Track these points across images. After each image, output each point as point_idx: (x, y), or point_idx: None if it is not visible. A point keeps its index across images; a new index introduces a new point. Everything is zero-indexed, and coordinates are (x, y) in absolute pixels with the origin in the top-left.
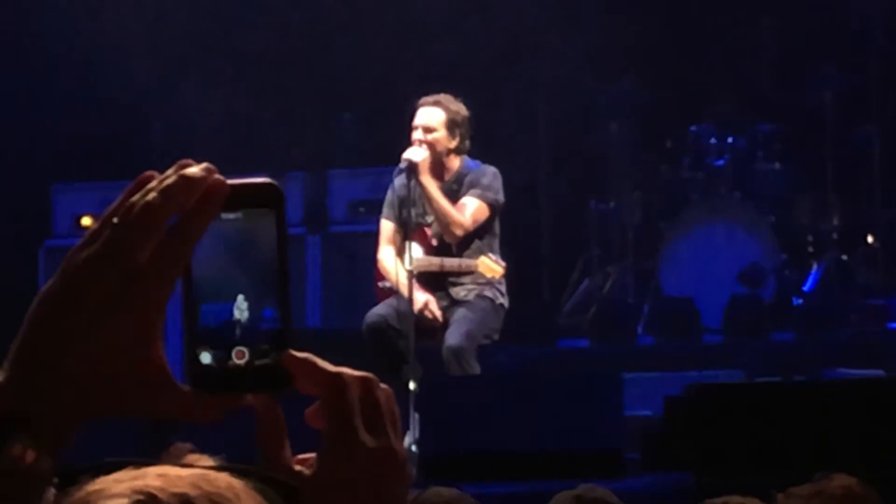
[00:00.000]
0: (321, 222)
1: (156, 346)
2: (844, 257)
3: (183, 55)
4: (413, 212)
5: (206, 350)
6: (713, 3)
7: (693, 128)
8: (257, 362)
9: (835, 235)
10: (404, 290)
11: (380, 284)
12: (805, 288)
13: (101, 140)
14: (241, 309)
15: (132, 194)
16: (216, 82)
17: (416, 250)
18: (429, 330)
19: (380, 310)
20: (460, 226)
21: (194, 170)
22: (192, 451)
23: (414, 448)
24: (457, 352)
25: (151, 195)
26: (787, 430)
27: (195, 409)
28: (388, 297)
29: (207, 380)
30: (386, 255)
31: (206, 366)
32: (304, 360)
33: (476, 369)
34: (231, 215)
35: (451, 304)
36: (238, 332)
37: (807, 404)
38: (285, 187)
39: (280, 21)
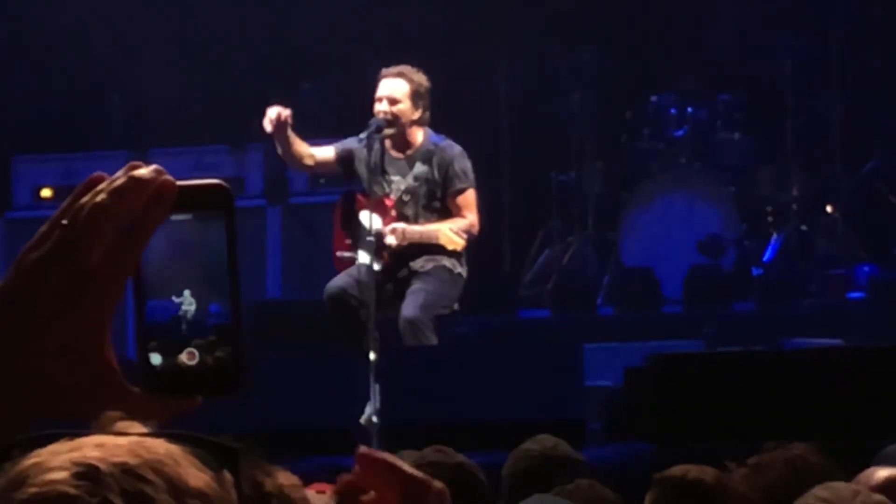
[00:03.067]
0: (281, 194)
1: (106, 346)
2: (804, 227)
3: (142, 26)
4: (375, 180)
5: (156, 351)
6: None
7: (653, 98)
8: (207, 363)
9: (794, 206)
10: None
11: (338, 255)
12: (765, 258)
13: (60, 112)
14: (186, 303)
15: (82, 196)
16: (176, 52)
17: (376, 221)
18: (389, 300)
19: (340, 280)
20: (474, 227)
21: (143, 171)
22: (122, 419)
23: (375, 418)
24: (412, 323)
25: (101, 196)
26: (748, 399)
27: (143, 410)
28: (347, 267)
29: (158, 381)
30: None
31: (156, 367)
32: (382, 460)
33: (433, 340)
34: (181, 216)
35: (409, 275)
36: (184, 326)
37: (767, 374)
38: (246, 158)
39: None
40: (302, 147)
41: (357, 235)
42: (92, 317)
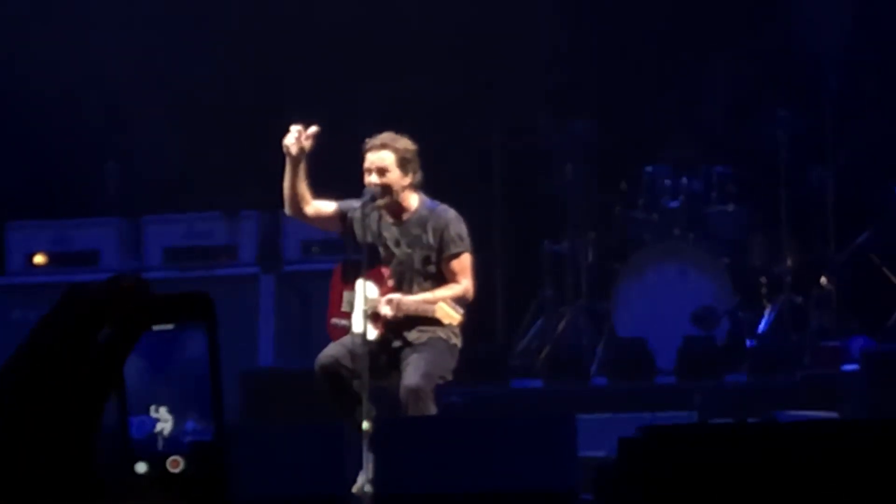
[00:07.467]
0: (275, 262)
1: (91, 459)
2: (798, 299)
3: (137, 94)
4: (371, 248)
5: (140, 461)
6: (668, 44)
7: (647, 169)
8: (192, 471)
9: (788, 277)
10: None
11: (333, 322)
12: (758, 330)
13: (54, 179)
14: (164, 421)
15: (65, 307)
16: (170, 121)
17: (371, 290)
18: (382, 370)
19: (332, 350)
20: (468, 292)
21: (124, 282)
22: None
23: (368, 488)
24: (415, 392)
25: (82, 309)
26: (741, 472)
27: None
28: (341, 335)
29: (143, 488)
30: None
31: (141, 476)
32: None
33: (433, 410)
34: (163, 327)
35: (404, 346)
36: (161, 443)
37: (760, 446)
38: (240, 226)
39: (233, 59)
40: (306, 189)
41: (353, 304)
42: (76, 428)
